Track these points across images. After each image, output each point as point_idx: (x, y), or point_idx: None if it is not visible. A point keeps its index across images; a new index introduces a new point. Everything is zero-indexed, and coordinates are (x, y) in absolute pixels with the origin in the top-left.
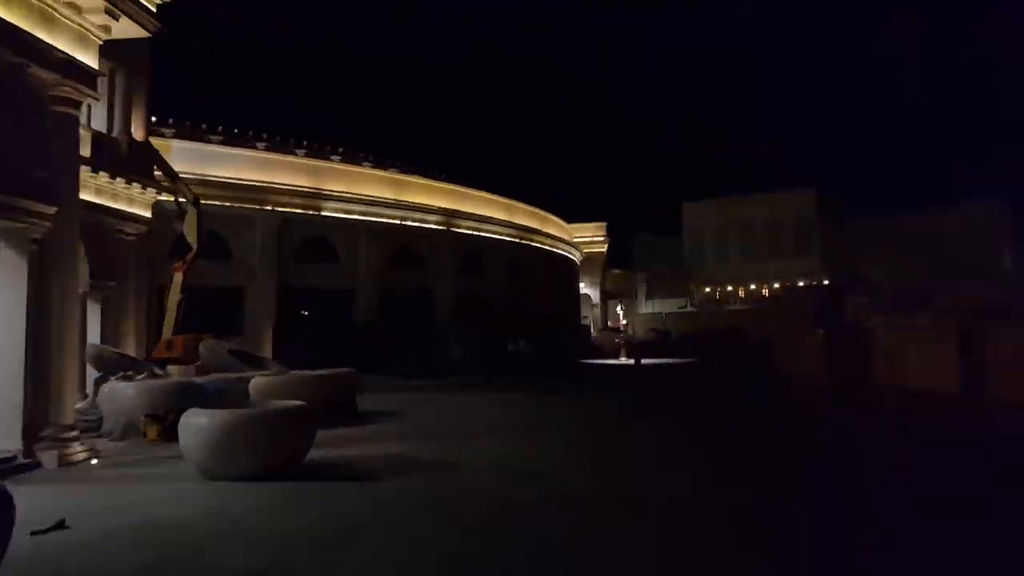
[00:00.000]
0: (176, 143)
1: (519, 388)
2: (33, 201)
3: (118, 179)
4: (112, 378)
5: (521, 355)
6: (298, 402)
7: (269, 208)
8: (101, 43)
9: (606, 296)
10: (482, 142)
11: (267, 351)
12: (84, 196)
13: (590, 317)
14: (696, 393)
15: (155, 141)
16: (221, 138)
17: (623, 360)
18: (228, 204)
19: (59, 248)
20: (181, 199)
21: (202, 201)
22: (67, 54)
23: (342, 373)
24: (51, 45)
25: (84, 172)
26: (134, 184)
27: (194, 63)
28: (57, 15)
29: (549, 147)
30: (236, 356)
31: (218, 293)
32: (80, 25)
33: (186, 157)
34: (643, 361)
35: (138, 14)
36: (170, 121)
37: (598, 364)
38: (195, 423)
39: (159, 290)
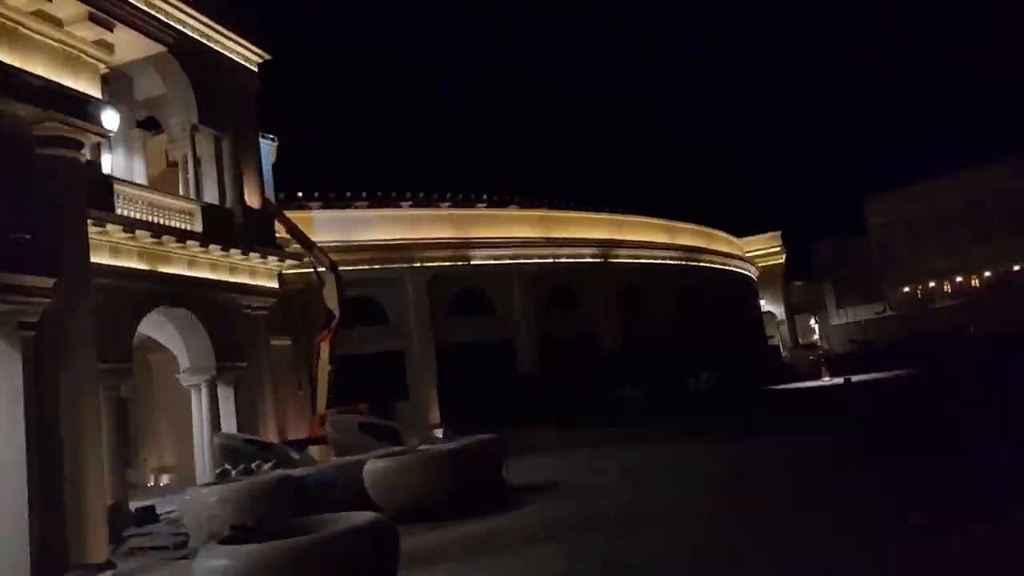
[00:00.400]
0: (319, 214)
1: (705, 433)
2: (18, 274)
3: (232, 251)
4: (233, 472)
5: (703, 389)
6: (371, 515)
7: (417, 264)
8: (104, 67)
9: (791, 311)
10: (628, 169)
11: (434, 414)
12: (197, 273)
13: (776, 336)
14: (958, 421)
15: (298, 215)
16: (366, 203)
17: (826, 380)
18: (377, 267)
19: (65, 332)
20: (320, 268)
21: (348, 268)
22: (47, 79)
23: (483, 442)
24: (21, 70)
25: (194, 247)
26: (253, 255)
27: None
28: (28, 31)
29: (696, 162)
30: (368, 430)
31: (378, 359)
32: (63, 43)
33: (331, 226)
34: (852, 378)
35: (145, 24)
36: (315, 195)
37: (796, 389)
38: (209, 568)
39: (308, 361)
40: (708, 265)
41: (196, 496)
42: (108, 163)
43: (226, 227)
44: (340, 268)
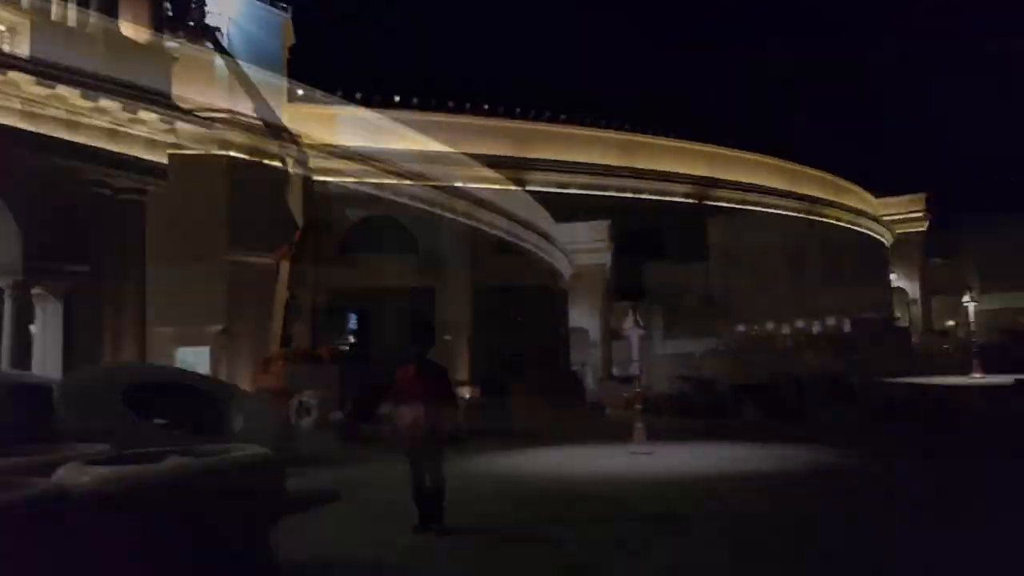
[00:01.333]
0: (342, 109)
1: (842, 443)
2: None
3: (77, 92)
4: None
5: (806, 379)
6: None
7: (459, 185)
8: None
9: (927, 289)
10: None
11: (462, 371)
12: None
13: (905, 317)
14: None
15: (315, 110)
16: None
17: (979, 376)
18: (408, 183)
19: None
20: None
21: (380, 180)
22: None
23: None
24: None
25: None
26: (115, 105)
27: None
28: None
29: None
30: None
31: (399, 295)
32: None
33: (356, 129)
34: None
35: None
36: (339, 91)
37: (947, 387)
38: None
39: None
40: (833, 221)
41: None
42: None
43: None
44: (366, 180)
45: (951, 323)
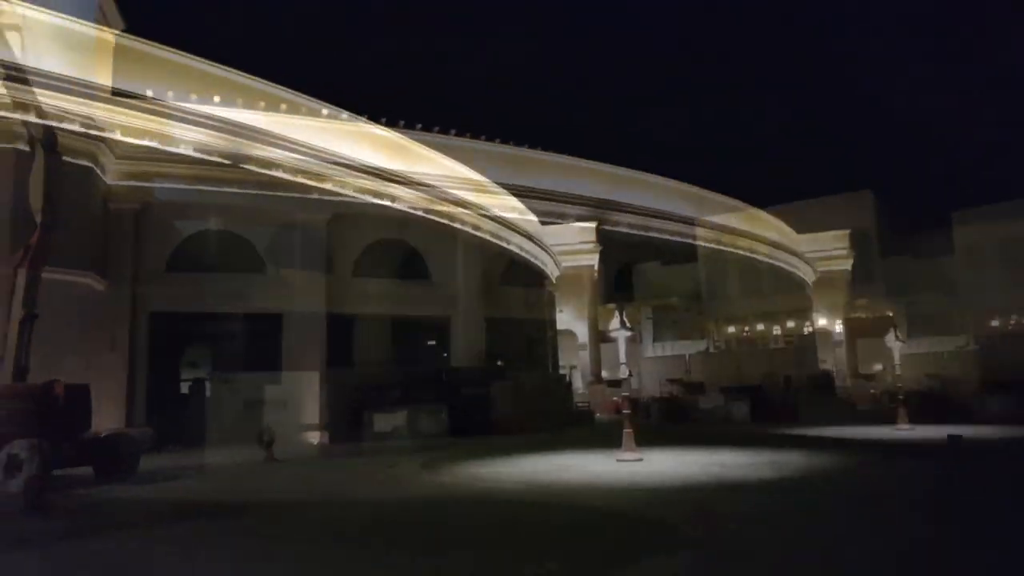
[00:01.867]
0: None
1: None
2: None
3: None
4: None
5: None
6: None
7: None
8: None
9: (852, 332)
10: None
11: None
12: None
13: (830, 361)
14: None
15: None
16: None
17: (906, 428)
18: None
19: None
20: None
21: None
22: None
23: None
24: None
25: None
26: None
27: None
28: None
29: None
30: None
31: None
32: None
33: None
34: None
35: None
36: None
37: (876, 443)
38: None
39: None
40: (737, 251)
41: None
42: None
43: None
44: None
45: (878, 367)
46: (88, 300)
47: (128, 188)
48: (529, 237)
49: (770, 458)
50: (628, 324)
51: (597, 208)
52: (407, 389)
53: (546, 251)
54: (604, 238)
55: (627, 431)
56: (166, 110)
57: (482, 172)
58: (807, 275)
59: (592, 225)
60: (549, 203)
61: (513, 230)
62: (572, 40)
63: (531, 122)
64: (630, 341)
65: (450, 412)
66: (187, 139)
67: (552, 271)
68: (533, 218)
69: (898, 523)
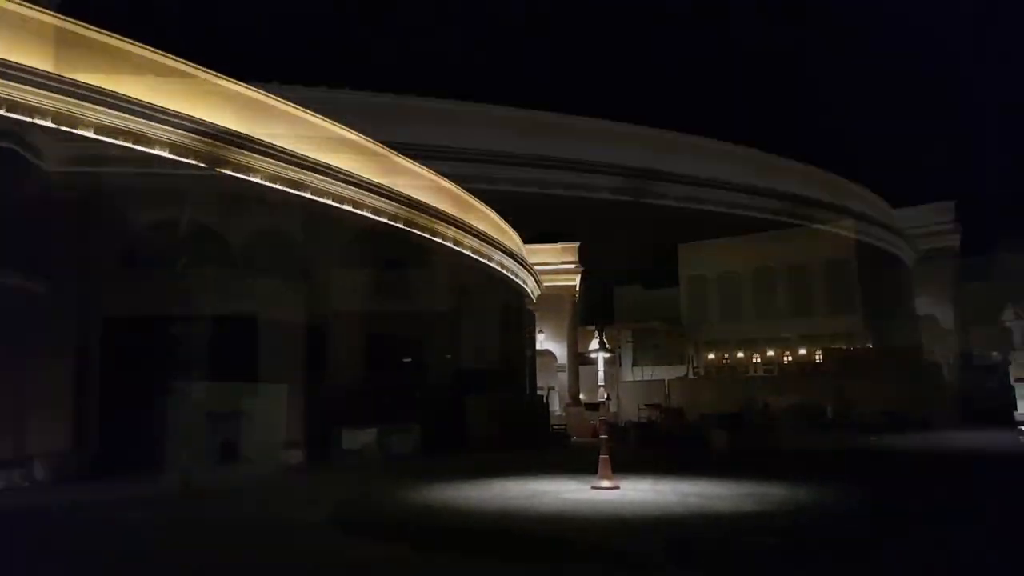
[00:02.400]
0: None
1: None
2: None
3: None
4: None
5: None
6: None
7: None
8: None
9: (576, 356)
10: None
11: None
12: None
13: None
14: None
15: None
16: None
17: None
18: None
19: None
20: None
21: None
22: None
23: None
24: None
25: None
26: None
27: None
28: None
29: None
30: None
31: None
32: None
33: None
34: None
35: None
36: None
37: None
38: None
39: None
40: (830, 230)
41: None
42: None
43: None
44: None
45: (604, 395)
46: (23, 304)
47: (70, 174)
48: (511, 254)
49: (751, 489)
50: (607, 345)
51: (636, 178)
52: (380, 402)
53: (527, 269)
54: (647, 214)
55: (603, 457)
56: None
57: (492, 141)
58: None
59: (574, 245)
60: (576, 174)
61: (495, 247)
62: None
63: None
64: (609, 364)
65: (423, 429)
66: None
67: (533, 290)
68: (515, 235)
69: None
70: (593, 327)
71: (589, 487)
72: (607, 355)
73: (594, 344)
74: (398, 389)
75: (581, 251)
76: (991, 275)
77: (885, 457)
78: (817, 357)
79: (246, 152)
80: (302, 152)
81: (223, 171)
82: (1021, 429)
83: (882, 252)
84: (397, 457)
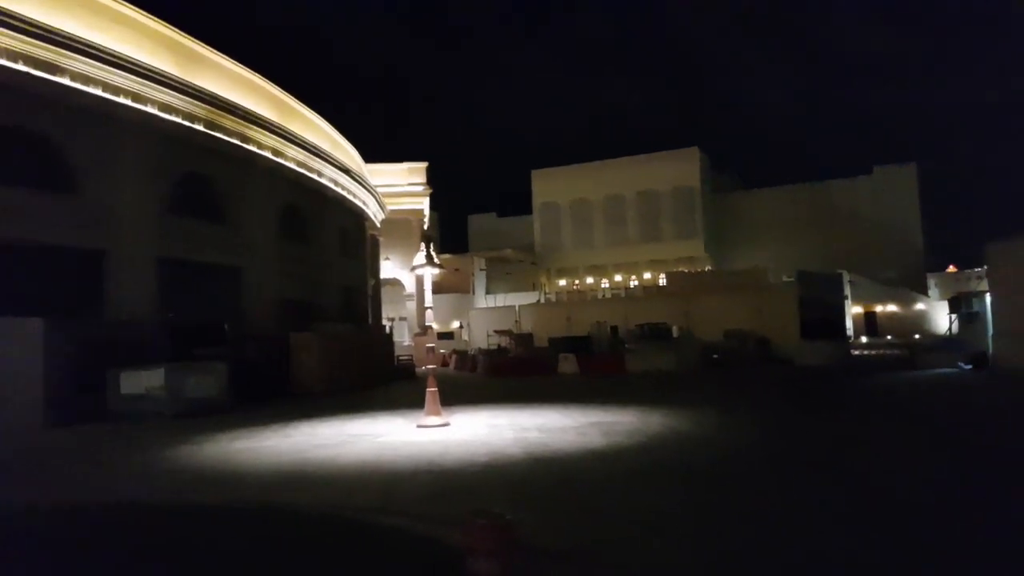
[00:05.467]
0: None
1: None
2: None
3: None
4: None
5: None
6: None
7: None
8: None
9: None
10: None
11: None
12: None
13: (395, 320)
14: None
15: None
16: None
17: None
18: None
19: None
20: None
21: None
22: None
23: None
24: None
25: None
26: None
27: None
28: None
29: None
30: None
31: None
32: None
33: None
34: None
35: None
36: None
37: None
38: None
39: None
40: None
41: None
42: None
43: None
44: None
45: (456, 325)
46: None
47: None
48: (347, 171)
49: (598, 418)
50: (436, 260)
51: None
52: (176, 343)
53: (368, 190)
54: None
55: (430, 391)
56: None
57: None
58: (374, 211)
59: (422, 165)
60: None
61: (327, 161)
62: None
63: None
64: (461, 293)
65: (234, 369)
66: None
67: (376, 213)
68: (353, 151)
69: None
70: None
71: (415, 426)
72: (436, 271)
73: (420, 258)
74: (202, 325)
75: (429, 173)
76: None
77: (734, 378)
78: (662, 280)
79: None
80: (55, 25)
81: None
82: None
83: None
84: (196, 404)
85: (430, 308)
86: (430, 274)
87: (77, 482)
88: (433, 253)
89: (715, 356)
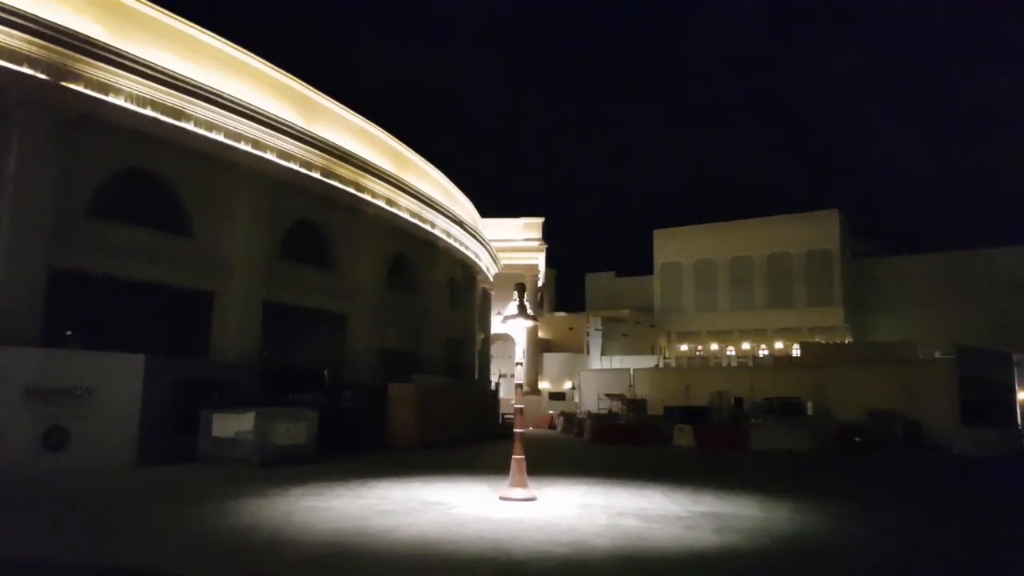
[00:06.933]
0: None
1: None
2: None
3: None
4: None
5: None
6: None
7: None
8: None
9: (537, 345)
10: None
11: None
12: None
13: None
14: None
15: None
16: None
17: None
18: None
19: None
20: None
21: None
22: None
23: None
24: None
25: None
26: None
27: None
28: None
29: None
30: None
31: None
32: None
33: None
34: None
35: None
36: None
37: None
38: None
39: None
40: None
41: None
42: None
43: None
44: None
45: (568, 386)
46: None
47: None
48: (460, 223)
49: (711, 507)
50: (530, 311)
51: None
52: (273, 387)
53: (481, 243)
54: None
55: (516, 458)
56: None
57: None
58: (486, 264)
59: (539, 220)
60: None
61: (440, 212)
62: None
63: None
64: (575, 353)
65: (328, 418)
66: None
67: (488, 266)
68: (467, 202)
69: None
70: (564, 314)
71: (498, 496)
72: (530, 323)
73: (511, 308)
74: (301, 371)
75: (546, 228)
76: None
77: (877, 464)
78: (795, 351)
79: (102, 64)
80: (183, 73)
81: (68, 84)
82: None
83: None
84: (284, 452)
85: (520, 364)
86: (523, 327)
87: (100, 535)
88: (527, 303)
89: (857, 439)
